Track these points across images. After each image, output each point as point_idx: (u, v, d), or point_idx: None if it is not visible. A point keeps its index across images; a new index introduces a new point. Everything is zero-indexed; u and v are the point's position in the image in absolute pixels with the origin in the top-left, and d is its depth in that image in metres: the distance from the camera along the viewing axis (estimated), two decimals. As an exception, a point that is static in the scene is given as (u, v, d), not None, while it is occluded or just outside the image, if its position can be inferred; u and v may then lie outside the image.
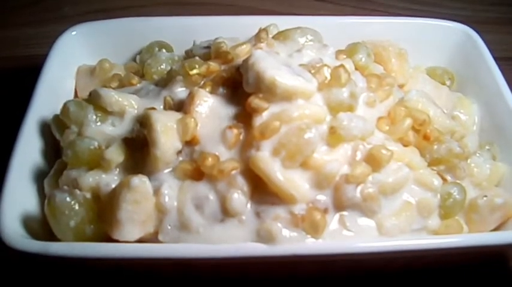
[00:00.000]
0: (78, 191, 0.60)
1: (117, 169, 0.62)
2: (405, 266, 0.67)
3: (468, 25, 0.86)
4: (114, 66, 0.80)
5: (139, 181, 0.57)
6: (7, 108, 0.66)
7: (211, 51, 0.71)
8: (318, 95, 0.62)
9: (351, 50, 0.73)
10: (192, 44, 0.78)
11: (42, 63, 0.75)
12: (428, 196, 0.63)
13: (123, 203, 0.57)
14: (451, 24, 0.86)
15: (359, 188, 0.59)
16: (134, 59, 0.83)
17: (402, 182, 0.62)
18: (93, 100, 0.66)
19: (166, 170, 0.60)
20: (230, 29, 0.78)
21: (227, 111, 0.62)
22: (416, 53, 0.82)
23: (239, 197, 0.58)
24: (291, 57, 0.66)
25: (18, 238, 0.57)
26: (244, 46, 0.68)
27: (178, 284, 0.66)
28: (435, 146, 0.66)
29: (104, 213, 0.59)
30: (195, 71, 0.66)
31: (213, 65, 0.66)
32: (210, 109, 0.62)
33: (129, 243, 0.57)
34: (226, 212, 0.58)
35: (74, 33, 0.80)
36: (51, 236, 0.60)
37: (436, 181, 0.63)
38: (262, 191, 0.59)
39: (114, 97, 0.66)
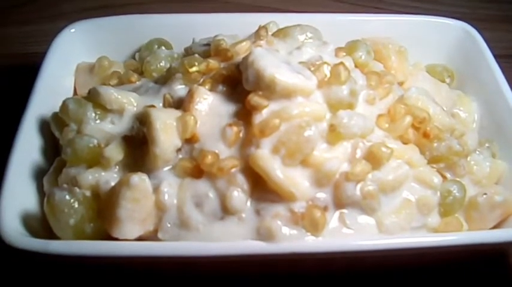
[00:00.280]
0: (77, 189, 0.60)
1: (117, 167, 0.62)
2: (405, 264, 0.67)
3: (467, 22, 0.85)
4: (113, 63, 0.79)
5: (139, 179, 0.57)
6: (6, 107, 0.66)
7: (210, 49, 0.71)
8: (318, 93, 0.62)
9: (350, 48, 0.73)
10: (192, 42, 0.78)
11: (41, 61, 0.75)
12: (428, 193, 0.63)
13: (123, 201, 0.57)
14: (450, 22, 0.86)
15: (359, 185, 0.59)
16: (133, 57, 0.83)
17: (402, 179, 0.62)
18: (92, 98, 0.66)
19: (166, 168, 0.60)
20: (229, 27, 0.78)
21: (227, 108, 0.62)
22: (416, 51, 0.82)
23: (239, 195, 0.58)
24: (291, 54, 0.66)
25: (18, 236, 0.57)
26: (244, 44, 0.68)
27: (178, 282, 0.66)
28: (435, 144, 0.66)
29: (103, 211, 0.59)
30: (194, 69, 0.66)
31: (213, 63, 0.66)
32: (209, 107, 0.62)
33: (128, 241, 0.57)
34: (226, 210, 0.58)
35: (73, 30, 0.80)
36: (50, 234, 0.60)
37: (436, 179, 0.63)
38: (262, 188, 0.59)
39: (114, 95, 0.65)
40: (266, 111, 0.59)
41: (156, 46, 0.81)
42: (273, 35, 0.72)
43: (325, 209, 0.59)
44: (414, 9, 1.10)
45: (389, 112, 0.67)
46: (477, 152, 0.71)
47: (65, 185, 0.61)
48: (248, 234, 0.58)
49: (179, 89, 0.66)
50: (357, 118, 0.61)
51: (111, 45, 0.82)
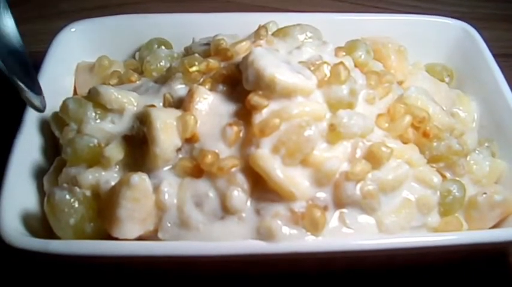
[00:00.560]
0: (77, 189, 0.60)
1: (117, 167, 0.62)
2: (405, 263, 0.67)
3: (466, 22, 0.86)
4: (113, 63, 0.79)
5: (139, 179, 0.57)
6: (6, 106, 0.66)
7: (210, 49, 0.71)
8: (318, 92, 0.62)
9: (350, 47, 0.73)
10: (192, 41, 0.78)
11: (41, 60, 0.75)
12: (428, 193, 0.63)
13: (123, 201, 0.57)
14: (449, 21, 0.86)
15: (359, 185, 0.59)
16: (133, 56, 0.83)
17: (402, 179, 0.62)
18: (93, 97, 0.66)
19: (166, 168, 0.60)
20: (229, 26, 0.78)
21: (227, 108, 0.62)
22: (415, 50, 0.81)
23: (239, 195, 0.58)
24: (291, 54, 0.66)
25: (18, 235, 0.57)
26: (244, 43, 0.68)
27: (178, 281, 0.66)
28: (434, 143, 0.66)
29: (103, 211, 0.59)
30: (194, 68, 0.66)
31: (213, 62, 0.66)
32: (209, 106, 0.62)
33: (128, 241, 0.57)
34: (226, 210, 0.58)
35: (73, 29, 0.80)
36: (50, 234, 0.60)
37: (436, 178, 0.63)
38: (262, 188, 0.59)
39: (114, 94, 0.65)
40: (266, 111, 0.59)
41: (156, 46, 0.81)
42: (272, 34, 0.72)
43: (325, 208, 0.59)
44: (413, 9, 1.10)
45: (389, 112, 0.67)
46: (477, 152, 0.71)
47: (65, 185, 0.61)
48: (248, 234, 0.58)
49: (179, 88, 0.66)
50: (356, 118, 0.61)
51: (111, 44, 0.82)
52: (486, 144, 0.74)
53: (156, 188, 0.59)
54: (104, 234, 0.59)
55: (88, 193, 0.61)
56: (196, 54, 0.70)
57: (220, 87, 0.64)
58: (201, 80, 0.65)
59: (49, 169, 0.66)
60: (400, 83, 0.76)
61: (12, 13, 0.69)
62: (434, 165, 0.66)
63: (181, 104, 0.63)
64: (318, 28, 0.74)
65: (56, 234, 0.60)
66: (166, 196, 0.59)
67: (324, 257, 0.61)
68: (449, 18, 0.86)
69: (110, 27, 0.82)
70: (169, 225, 0.59)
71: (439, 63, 0.85)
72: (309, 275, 0.68)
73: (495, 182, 0.71)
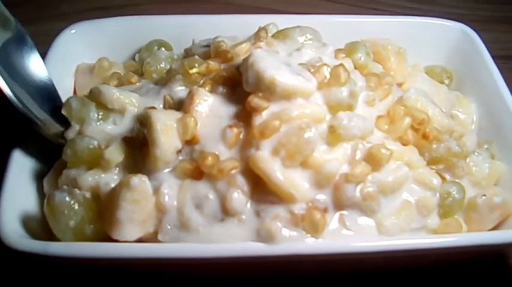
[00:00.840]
0: (77, 191, 0.60)
1: (117, 168, 0.62)
2: (404, 265, 0.67)
3: (465, 24, 0.86)
4: (113, 64, 0.79)
5: (139, 181, 0.57)
6: (6, 107, 0.66)
7: (210, 50, 0.71)
8: (318, 94, 0.62)
9: (350, 49, 0.73)
10: (191, 43, 0.78)
11: (40, 61, 0.75)
12: (428, 195, 0.63)
13: (123, 203, 0.57)
14: (449, 23, 0.86)
15: (359, 187, 0.59)
16: (133, 58, 0.83)
17: (401, 181, 0.62)
18: (94, 96, 0.66)
19: (166, 170, 0.60)
20: (229, 28, 0.78)
21: (227, 110, 0.62)
22: (415, 52, 0.82)
23: (239, 197, 0.58)
24: (291, 56, 0.66)
25: (18, 237, 0.57)
26: (244, 45, 0.68)
27: (178, 284, 0.66)
28: (434, 145, 0.66)
29: (103, 213, 0.59)
30: (194, 70, 0.66)
31: (213, 64, 0.66)
32: (209, 108, 0.62)
33: (128, 243, 0.57)
34: (226, 212, 0.58)
35: (73, 31, 0.80)
36: (50, 236, 0.60)
37: (435, 180, 0.63)
38: (262, 190, 0.59)
39: (116, 94, 0.65)
40: (266, 112, 0.59)
41: (156, 47, 0.81)
42: (272, 36, 0.72)
43: (325, 210, 0.59)
44: (413, 11, 1.10)
45: (389, 113, 0.67)
46: (476, 154, 0.71)
47: (65, 187, 0.61)
48: (248, 236, 0.58)
49: (179, 90, 0.66)
50: (356, 119, 0.61)
51: (111, 46, 0.82)
52: (485, 146, 0.74)
53: (156, 190, 0.59)
54: (104, 236, 0.58)
55: (88, 194, 0.61)
56: (196, 56, 0.70)
57: (220, 89, 0.64)
58: (201, 81, 0.65)
59: (49, 171, 0.66)
60: (399, 85, 0.76)
61: (12, 14, 0.69)
62: (433, 167, 0.66)
63: (181, 106, 0.63)
64: (318, 30, 0.75)
65: (55, 236, 0.60)
66: (166, 198, 0.59)
67: (324, 259, 0.61)
68: (449, 20, 0.86)
69: (109, 28, 0.82)
70: (169, 227, 0.58)
71: (439, 65, 0.85)
72: (309, 276, 0.68)
73: (494, 184, 0.71)
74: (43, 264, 0.65)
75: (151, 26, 0.83)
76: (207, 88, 0.64)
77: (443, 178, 0.66)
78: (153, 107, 0.64)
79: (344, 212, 0.60)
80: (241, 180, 0.58)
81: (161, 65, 0.76)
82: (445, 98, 0.77)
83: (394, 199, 0.62)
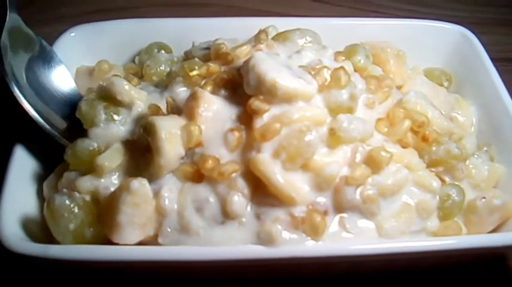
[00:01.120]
0: (77, 194, 0.60)
1: (117, 172, 0.62)
2: (404, 268, 0.67)
3: (465, 26, 0.86)
4: (113, 67, 0.79)
5: (139, 184, 0.57)
6: (7, 110, 0.66)
7: (210, 53, 0.71)
8: (318, 97, 0.62)
9: (349, 52, 0.73)
10: (191, 45, 0.78)
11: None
12: (427, 197, 0.63)
13: (123, 206, 0.57)
14: (448, 26, 0.86)
15: (359, 190, 0.60)
16: (133, 60, 0.83)
17: (401, 183, 0.62)
18: (105, 89, 0.66)
19: (167, 173, 0.60)
20: (228, 30, 0.78)
21: (228, 112, 0.62)
22: (414, 55, 0.82)
23: (239, 200, 0.58)
24: (291, 58, 0.66)
25: (18, 240, 0.57)
26: (244, 47, 0.68)
27: (178, 286, 0.66)
28: (434, 148, 0.66)
29: (103, 216, 0.59)
30: (195, 72, 0.66)
31: (213, 66, 0.66)
32: (213, 112, 0.62)
33: (128, 246, 0.57)
34: (226, 215, 0.58)
35: (72, 34, 0.80)
36: (50, 239, 0.60)
37: (435, 183, 0.63)
38: (262, 193, 0.59)
39: (127, 86, 0.65)
40: (267, 115, 0.59)
41: (156, 50, 0.81)
42: (272, 39, 0.72)
43: (325, 213, 0.59)
44: (412, 13, 1.11)
45: (389, 116, 0.67)
46: (475, 156, 0.71)
47: (65, 190, 0.61)
48: (248, 238, 0.58)
49: (181, 91, 0.66)
50: (356, 122, 0.61)
51: (110, 49, 0.82)
52: (485, 148, 0.74)
53: (156, 194, 0.59)
54: (104, 239, 0.58)
55: (88, 198, 0.61)
56: (196, 59, 0.70)
57: (221, 91, 0.64)
58: (202, 83, 0.65)
59: (49, 174, 0.66)
60: (399, 87, 0.76)
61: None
62: (433, 169, 0.66)
63: (183, 107, 0.63)
64: (318, 33, 0.75)
65: (55, 239, 0.60)
66: (167, 201, 0.59)
67: (324, 262, 0.61)
68: (448, 23, 0.86)
69: (109, 31, 0.82)
70: (169, 230, 0.58)
71: (438, 68, 0.85)
72: (309, 279, 0.68)
73: (494, 186, 0.71)
74: (43, 267, 0.65)
75: (151, 29, 0.83)
76: (208, 89, 0.63)
77: (442, 181, 0.66)
78: (158, 106, 0.64)
79: (344, 214, 0.60)
80: (241, 183, 0.58)
81: (161, 68, 0.76)
82: (445, 101, 0.77)
83: (394, 202, 0.62)
